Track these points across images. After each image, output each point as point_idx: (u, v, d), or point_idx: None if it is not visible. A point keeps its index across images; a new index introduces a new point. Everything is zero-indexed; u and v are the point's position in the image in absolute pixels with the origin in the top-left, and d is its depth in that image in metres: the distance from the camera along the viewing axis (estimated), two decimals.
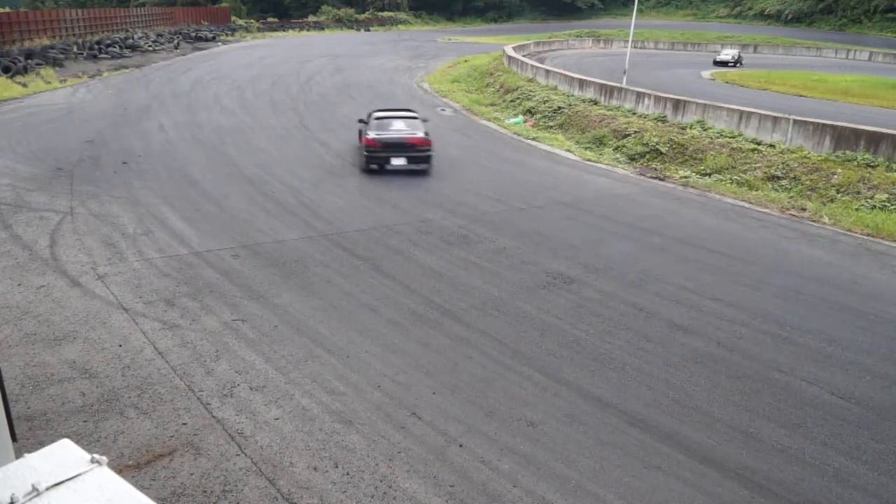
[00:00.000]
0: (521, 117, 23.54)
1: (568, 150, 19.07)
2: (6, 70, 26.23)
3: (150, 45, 40.38)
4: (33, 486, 2.16)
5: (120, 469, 5.09)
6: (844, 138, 16.01)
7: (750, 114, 18.24)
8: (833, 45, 60.42)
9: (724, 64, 43.61)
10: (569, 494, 5.27)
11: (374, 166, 14.55)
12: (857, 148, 15.73)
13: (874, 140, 15.55)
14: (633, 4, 31.37)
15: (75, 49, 33.49)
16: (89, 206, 11.68)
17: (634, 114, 21.16)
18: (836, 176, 15.11)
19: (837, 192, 14.68)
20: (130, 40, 39.88)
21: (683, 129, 19.07)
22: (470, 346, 7.51)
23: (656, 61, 43.87)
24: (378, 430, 5.92)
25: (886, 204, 13.78)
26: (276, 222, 11.36)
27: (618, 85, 23.51)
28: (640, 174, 16.83)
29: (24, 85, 25.10)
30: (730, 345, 7.89)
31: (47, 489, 2.17)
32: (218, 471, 5.31)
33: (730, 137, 17.87)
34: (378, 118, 15.03)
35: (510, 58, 32.78)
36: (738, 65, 43.73)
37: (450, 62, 38.70)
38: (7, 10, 38.38)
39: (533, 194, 14.01)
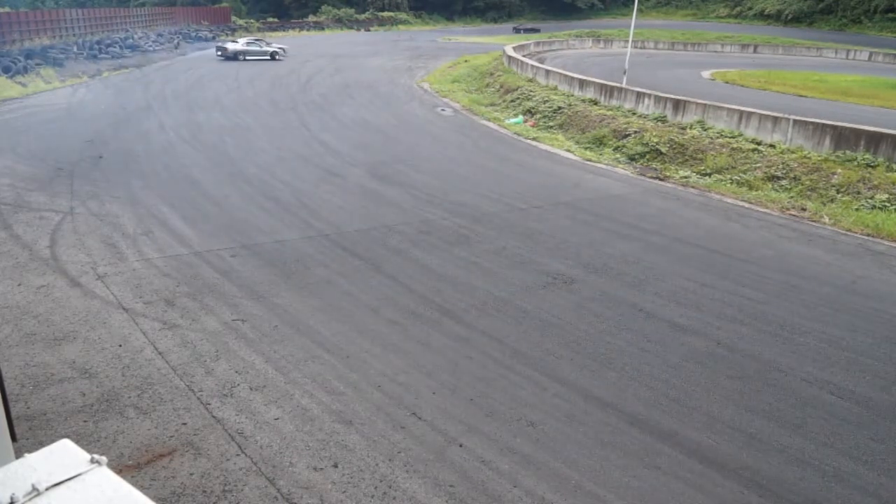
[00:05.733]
0: (521, 117, 23.54)
1: (568, 150, 19.08)
2: (6, 70, 26.22)
3: (150, 45, 40.38)
4: (33, 486, 2.16)
5: (120, 469, 5.09)
6: (844, 138, 16.00)
7: (750, 114, 18.24)
8: (833, 45, 60.35)
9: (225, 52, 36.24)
10: (569, 494, 5.27)
11: None
12: (857, 148, 15.72)
13: (874, 140, 15.54)
14: (633, 4, 31.37)
15: (75, 49, 33.48)
16: (89, 206, 11.68)
17: (634, 114, 21.16)
18: (836, 176, 15.11)
19: (837, 193, 14.68)
20: (130, 40, 39.87)
21: (683, 129, 19.07)
22: (470, 346, 7.51)
23: (656, 61, 43.86)
24: (378, 430, 5.92)
25: (886, 204, 13.78)
26: (276, 222, 11.36)
27: (618, 85, 23.51)
28: (640, 174, 16.83)
29: (24, 85, 25.10)
30: (730, 345, 7.89)
31: (47, 489, 2.17)
32: (218, 471, 5.31)
33: (730, 137, 17.87)
34: None
35: (510, 58, 32.78)
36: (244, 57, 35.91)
37: (450, 62, 38.69)
38: (7, 10, 38.36)
39: (533, 194, 14.01)
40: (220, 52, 36.96)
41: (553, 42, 51.64)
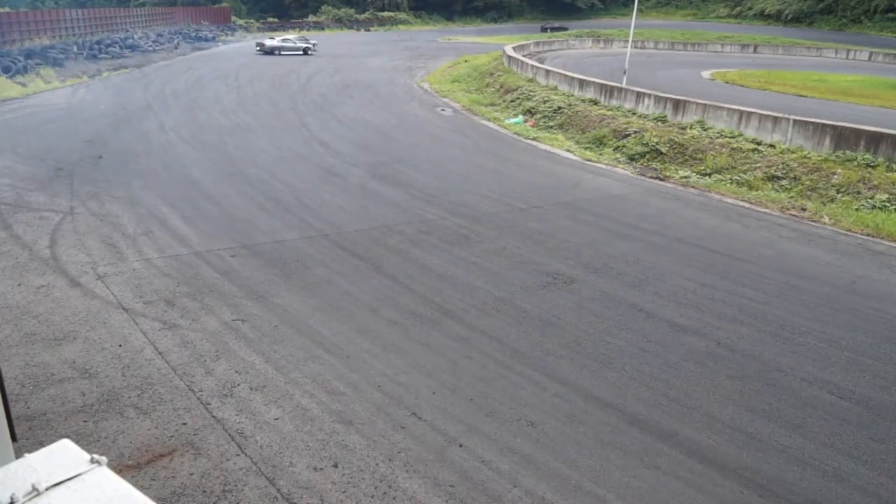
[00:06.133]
0: (521, 117, 23.54)
1: (568, 150, 19.07)
2: (6, 70, 26.24)
3: (150, 45, 40.40)
4: (33, 486, 2.16)
5: (120, 469, 5.09)
6: (844, 138, 16.00)
7: (750, 114, 18.24)
8: (833, 45, 60.34)
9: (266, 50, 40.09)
10: (569, 494, 5.27)
11: None
12: (857, 148, 15.72)
13: (874, 140, 15.54)
14: (633, 4, 31.38)
15: (75, 49, 33.49)
16: (89, 206, 11.68)
17: (634, 114, 21.16)
18: (836, 176, 15.11)
19: (837, 192, 14.68)
20: (130, 40, 39.89)
21: (683, 129, 19.07)
22: (470, 346, 7.51)
23: (656, 61, 43.87)
24: (378, 430, 5.92)
25: (886, 204, 13.78)
26: (276, 222, 11.36)
27: (618, 85, 23.51)
28: (640, 174, 16.83)
29: (24, 85, 25.12)
30: (730, 345, 7.89)
31: (47, 489, 2.17)
32: (218, 471, 5.31)
33: (730, 137, 17.87)
34: None
35: (510, 58, 32.78)
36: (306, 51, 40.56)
37: (450, 62, 38.69)
38: (7, 10, 38.37)
39: (533, 194, 14.01)
40: (258, 48, 40.97)
41: (553, 42, 51.66)
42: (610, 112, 21.70)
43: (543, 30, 67.71)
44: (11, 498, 2.10)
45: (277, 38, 42.25)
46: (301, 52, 40.41)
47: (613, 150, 19.10)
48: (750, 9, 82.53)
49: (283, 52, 39.82)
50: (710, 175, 16.49)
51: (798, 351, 7.84)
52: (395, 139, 19.26)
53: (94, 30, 39.31)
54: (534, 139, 20.37)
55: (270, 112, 22.03)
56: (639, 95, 21.80)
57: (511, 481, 5.37)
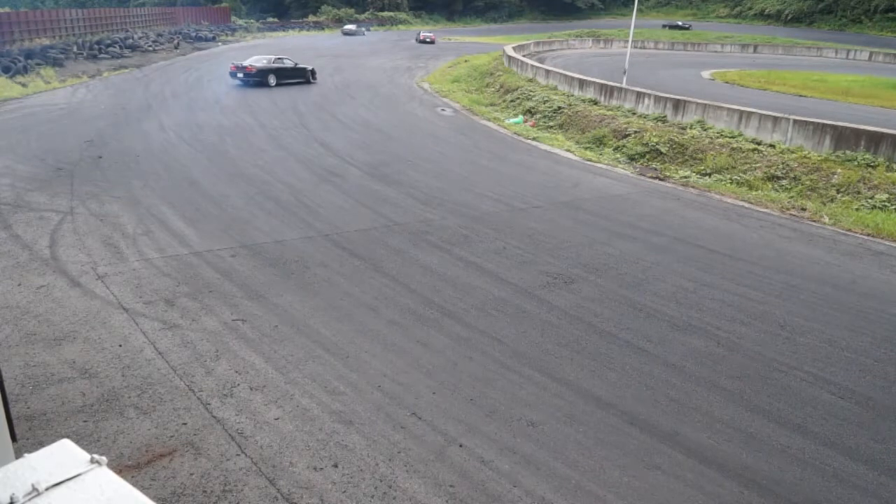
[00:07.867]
0: (521, 117, 23.55)
1: (568, 150, 19.08)
2: (6, 70, 26.23)
3: (150, 45, 40.37)
4: (33, 486, 2.16)
5: (120, 469, 5.09)
6: (844, 138, 16.01)
7: (750, 114, 18.25)
8: (833, 45, 60.40)
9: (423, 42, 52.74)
10: (569, 494, 5.27)
11: None
12: (857, 148, 15.73)
13: (874, 140, 15.55)
14: (633, 4, 31.38)
15: (75, 49, 33.48)
16: (89, 206, 11.68)
17: (634, 114, 21.17)
18: (836, 176, 15.11)
19: (837, 192, 14.68)
20: (130, 40, 39.86)
21: (683, 129, 19.07)
22: (470, 346, 7.51)
23: (656, 61, 43.88)
24: (378, 430, 5.91)
25: (886, 204, 13.79)
26: (276, 222, 11.36)
27: (618, 85, 23.51)
28: (640, 174, 16.84)
29: (24, 85, 25.11)
30: (730, 345, 7.89)
31: (47, 489, 2.17)
32: (218, 471, 5.30)
33: (730, 137, 17.88)
34: None
35: (510, 58, 32.79)
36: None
37: (450, 62, 38.72)
38: (7, 10, 38.37)
39: (533, 194, 14.01)
40: (421, 39, 52.95)
41: (553, 42, 51.68)
42: (610, 112, 21.71)
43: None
44: (11, 498, 2.10)
45: (432, 34, 55.07)
46: (431, 43, 51.80)
47: (613, 150, 19.11)
48: (750, 9, 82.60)
49: (425, 41, 51.86)
50: (710, 175, 16.50)
51: (798, 351, 7.84)
52: (395, 139, 19.26)
53: (94, 30, 39.32)
54: (534, 139, 20.38)
55: (270, 112, 22.03)
56: (639, 95, 21.81)
57: (511, 481, 5.37)
